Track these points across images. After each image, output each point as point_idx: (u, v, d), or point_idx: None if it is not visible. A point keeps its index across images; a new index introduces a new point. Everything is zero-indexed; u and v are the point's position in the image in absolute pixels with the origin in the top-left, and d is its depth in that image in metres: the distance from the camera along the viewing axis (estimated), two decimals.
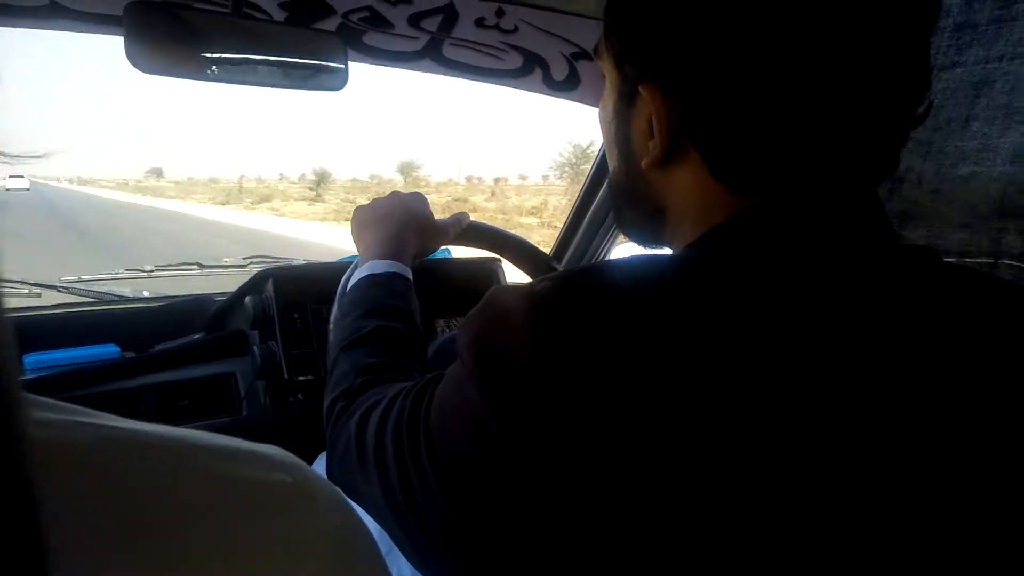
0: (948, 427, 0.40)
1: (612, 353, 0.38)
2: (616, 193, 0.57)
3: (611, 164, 0.57)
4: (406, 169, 69.98)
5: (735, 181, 0.46)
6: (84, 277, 1.39)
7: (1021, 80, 0.80)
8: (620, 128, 0.53)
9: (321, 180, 56.48)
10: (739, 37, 0.42)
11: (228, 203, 43.75)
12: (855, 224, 0.45)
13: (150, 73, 0.80)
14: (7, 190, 54.77)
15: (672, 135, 0.47)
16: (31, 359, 1.07)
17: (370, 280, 0.82)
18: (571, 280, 0.43)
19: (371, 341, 0.73)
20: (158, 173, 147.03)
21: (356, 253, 0.98)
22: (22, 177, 66.26)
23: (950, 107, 0.86)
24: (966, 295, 0.45)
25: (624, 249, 1.56)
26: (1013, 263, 0.81)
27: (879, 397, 0.39)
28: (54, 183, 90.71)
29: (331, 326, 0.91)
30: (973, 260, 0.84)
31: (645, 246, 0.59)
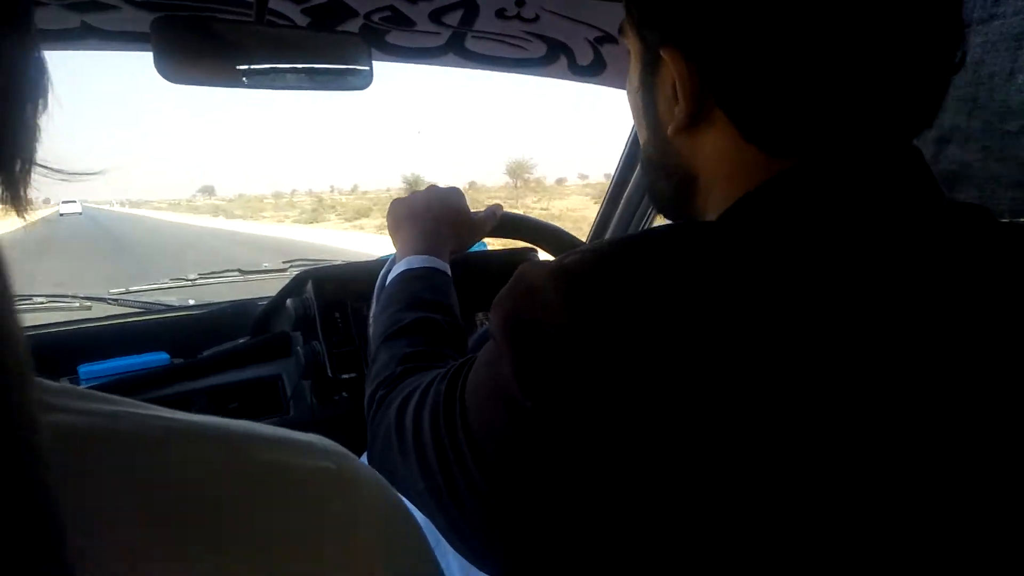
0: (1004, 395, 0.39)
1: (647, 325, 0.37)
2: (647, 166, 0.57)
3: (641, 137, 0.56)
4: (516, 171, 69.20)
5: (765, 140, 0.44)
6: (131, 288, 1.43)
7: None
8: (646, 98, 0.52)
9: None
10: None
11: (316, 221, 36.85)
12: (901, 184, 0.43)
13: (180, 83, 0.82)
14: (60, 215, 57.20)
15: (696, 98, 0.46)
16: (85, 369, 1.11)
17: (409, 274, 0.82)
18: (601, 252, 0.42)
19: (411, 332, 0.74)
20: (209, 191, 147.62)
21: (390, 253, 0.99)
22: (74, 202, 70.40)
23: (991, 61, 0.82)
24: (1021, 254, 0.43)
25: None
26: None
27: (939, 371, 0.38)
28: (105, 207, 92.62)
29: (371, 321, 0.92)
30: None
31: (677, 219, 0.58)
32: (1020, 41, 0.80)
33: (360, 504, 0.30)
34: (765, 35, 0.41)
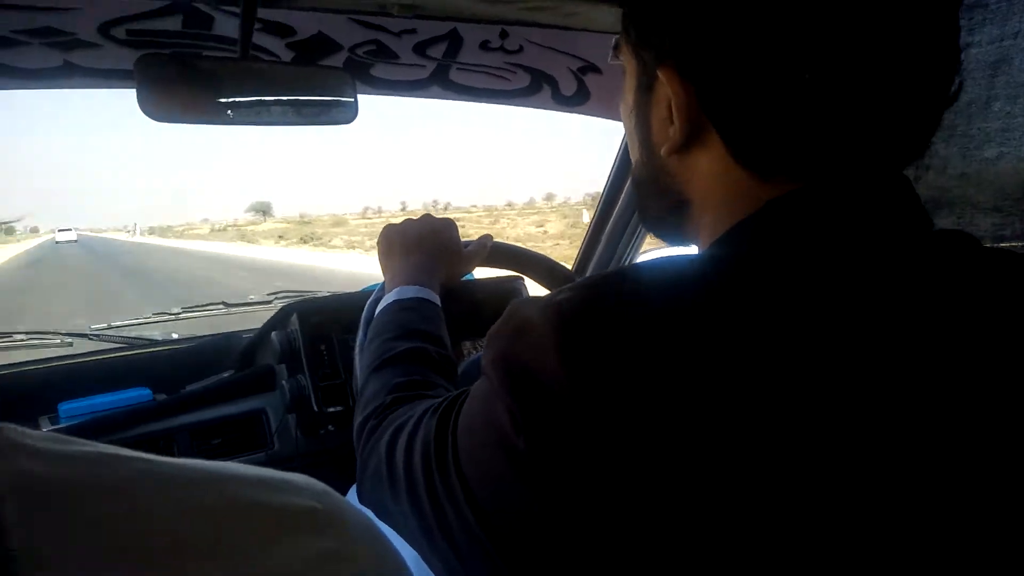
0: (996, 416, 0.39)
1: (642, 365, 0.37)
2: (639, 186, 0.56)
3: (633, 157, 0.56)
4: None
5: (758, 164, 0.44)
6: (113, 324, 1.42)
7: None
8: (640, 118, 0.52)
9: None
10: (758, 12, 0.41)
11: None
12: (891, 214, 0.43)
13: (163, 121, 0.82)
14: (56, 243, 57.28)
15: (691, 118, 0.46)
16: (66, 407, 1.09)
17: (399, 304, 0.82)
18: (594, 288, 0.41)
19: (401, 361, 0.73)
20: (264, 210, 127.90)
21: (376, 283, 0.99)
22: (70, 230, 70.42)
23: (969, 88, 0.84)
24: (1010, 279, 0.44)
25: (650, 255, 1.55)
26: None
27: (928, 396, 0.38)
28: (110, 235, 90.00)
29: (357, 351, 0.91)
30: (1009, 244, 0.82)
31: (670, 243, 0.58)
32: (995, 69, 0.81)
33: (346, 543, 0.30)
34: (764, 58, 0.41)
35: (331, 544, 0.29)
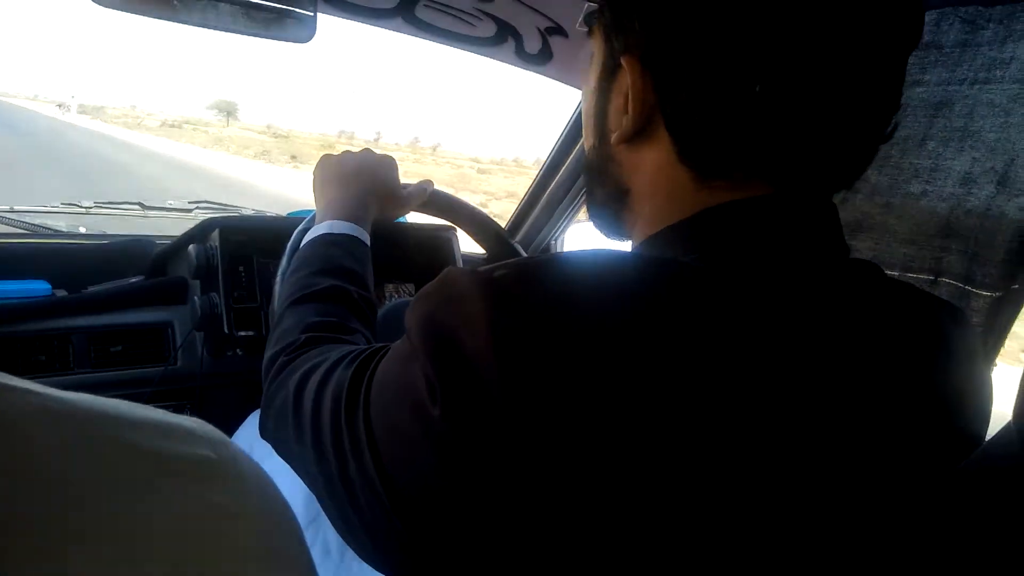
0: (880, 431, 0.43)
1: (566, 358, 0.37)
2: (587, 170, 0.58)
3: (586, 141, 0.57)
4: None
5: (700, 164, 0.46)
6: (16, 207, 1.32)
7: (979, 105, 0.82)
8: (599, 102, 0.53)
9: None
10: (724, 20, 0.42)
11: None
12: (812, 235, 0.46)
13: (110, 7, 0.76)
14: None
15: (645, 111, 0.48)
16: None
17: (328, 239, 0.80)
18: (532, 272, 0.42)
19: (322, 299, 0.71)
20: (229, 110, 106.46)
21: (304, 210, 0.96)
22: None
23: (909, 124, 0.88)
24: (902, 310, 0.48)
25: (579, 228, 1.57)
26: (952, 282, 0.84)
27: (821, 411, 0.41)
28: (12, 101, 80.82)
29: (278, 280, 0.89)
30: (915, 276, 0.87)
31: (606, 232, 0.59)
32: (937, 109, 0.85)
33: (238, 498, 0.29)
34: (721, 64, 0.43)
35: (221, 498, 0.28)
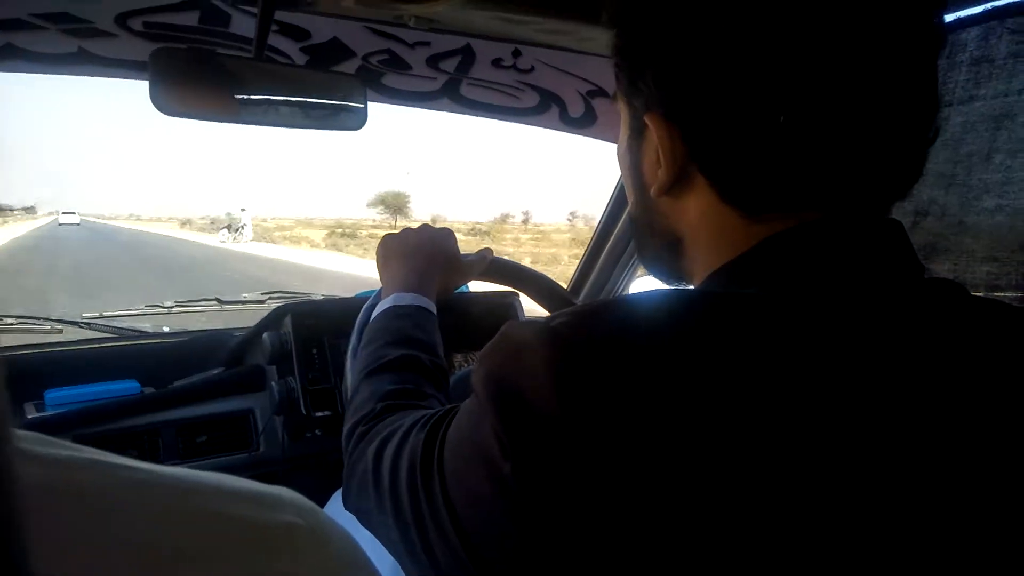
0: (978, 465, 0.40)
1: (634, 398, 0.37)
2: (635, 226, 0.58)
3: (629, 198, 0.57)
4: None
5: (744, 203, 0.46)
6: (105, 313, 1.41)
7: None
8: (632, 160, 0.54)
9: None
10: (733, 62, 0.42)
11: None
12: (882, 256, 0.44)
13: (173, 116, 0.82)
14: (59, 224, 57.17)
15: (678, 162, 0.47)
16: (52, 395, 1.08)
17: (395, 311, 0.82)
18: (589, 316, 0.42)
19: (394, 368, 0.73)
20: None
21: (371, 290, 0.99)
22: (73, 213, 69.34)
23: (971, 140, 0.85)
24: (995, 329, 0.45)
25: (643, 283, 1.56)
26: None
27: (912, 442, 0.38)
28: (103, 221, 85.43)
29: (349, 355, 0.91)
30: (1003, 294, 0.82)
31: (666, 281, 0.58)
32: (998, 122, 0.83)
33: (326, 560, 0.30)
34: (739, 104, 0.43)
35: (311, 564, 0.28)
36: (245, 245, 33.64)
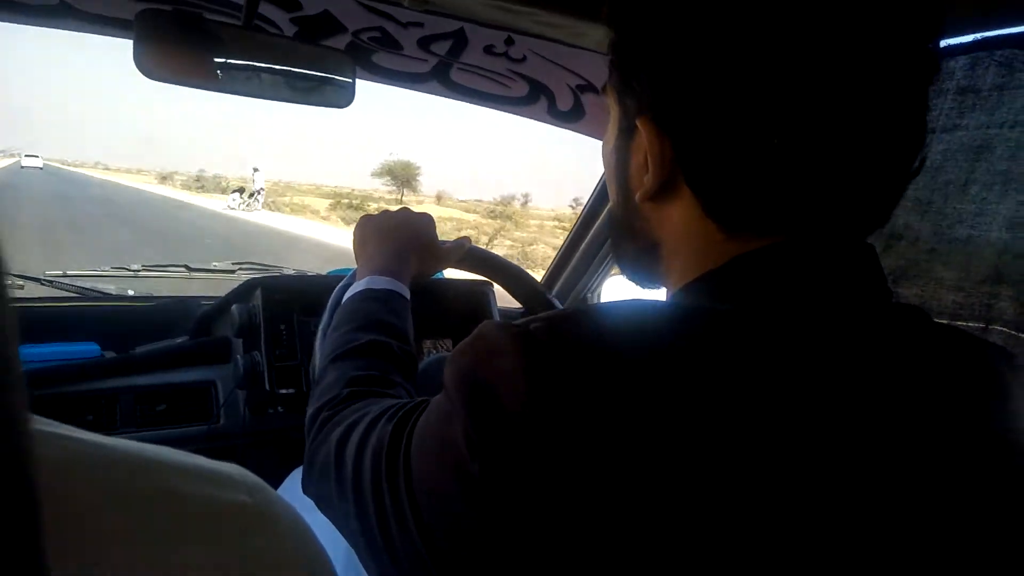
0: (931, 487, 0.41)
1: (605, 404, 0.37)
2: (614, 226, 0.58)
3: (611, 197, 0.57)
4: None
5: (726, 219, 0.46)
6: (69, 272, 1.37)
7: (1021, 148, 0.80)
8: (619, 161, 0.53)
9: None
10: (732, 76, 0.42)
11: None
12: (850, 282, 0.45)
13: (157, 80, 0.80)
14: (22, 167, 55.50)
15: (665, 169, 0.47)
16: None
17: (368, 294, 0.81)
18: (566, 323, 0.42)
19: (363, 354, 0.72)
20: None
21: (345, 268, 0.98)
22: (37, 157, 66.72)
23: (950, 169, 0.87)
24: (953, 355, 0.46)
25: (616, 282, 1.57)
26: (1004, 329, 0.81)
27: (868, 462, 0.39)
28: (69, 168, 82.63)
29: (319, 336, 0.90)
30: (965, 323, 0.84)
31: (640, 283, 0.59)
32: (978, 153, 0.84)
33: (276, 540, 0.30)
34: (736, 121, 0.43)
35: (259, 542, 0.28)
36: (256, 214, 29.33)
